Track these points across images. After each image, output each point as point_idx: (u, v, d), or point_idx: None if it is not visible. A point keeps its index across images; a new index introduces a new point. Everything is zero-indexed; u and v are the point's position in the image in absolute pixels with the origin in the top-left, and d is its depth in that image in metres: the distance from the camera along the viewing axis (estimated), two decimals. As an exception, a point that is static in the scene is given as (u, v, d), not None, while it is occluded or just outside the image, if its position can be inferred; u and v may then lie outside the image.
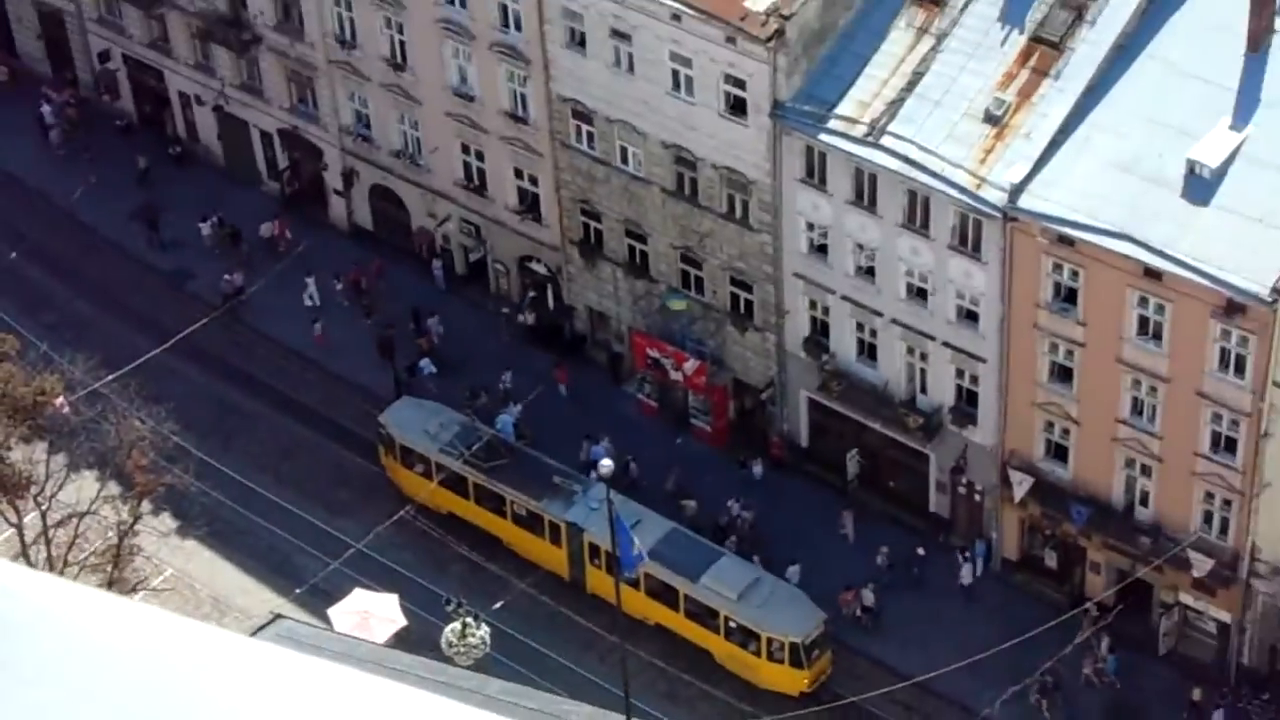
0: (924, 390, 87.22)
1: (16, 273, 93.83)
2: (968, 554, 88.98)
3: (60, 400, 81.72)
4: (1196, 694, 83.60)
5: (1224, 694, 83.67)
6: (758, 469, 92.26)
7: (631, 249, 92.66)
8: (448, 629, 76.81)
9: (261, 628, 60.16)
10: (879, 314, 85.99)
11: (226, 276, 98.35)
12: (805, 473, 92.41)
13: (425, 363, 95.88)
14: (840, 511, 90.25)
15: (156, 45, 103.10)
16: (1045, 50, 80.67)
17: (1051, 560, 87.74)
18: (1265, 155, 76.67)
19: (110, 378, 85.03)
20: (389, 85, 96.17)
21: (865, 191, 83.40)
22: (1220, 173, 76.62)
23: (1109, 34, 79.95)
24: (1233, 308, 75.44)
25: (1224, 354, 77.46)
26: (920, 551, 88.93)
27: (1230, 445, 79.56)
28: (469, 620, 77.40)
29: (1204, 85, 78.84)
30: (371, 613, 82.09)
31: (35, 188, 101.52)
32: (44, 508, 79.74)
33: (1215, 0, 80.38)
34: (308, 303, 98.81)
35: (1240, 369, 77.41)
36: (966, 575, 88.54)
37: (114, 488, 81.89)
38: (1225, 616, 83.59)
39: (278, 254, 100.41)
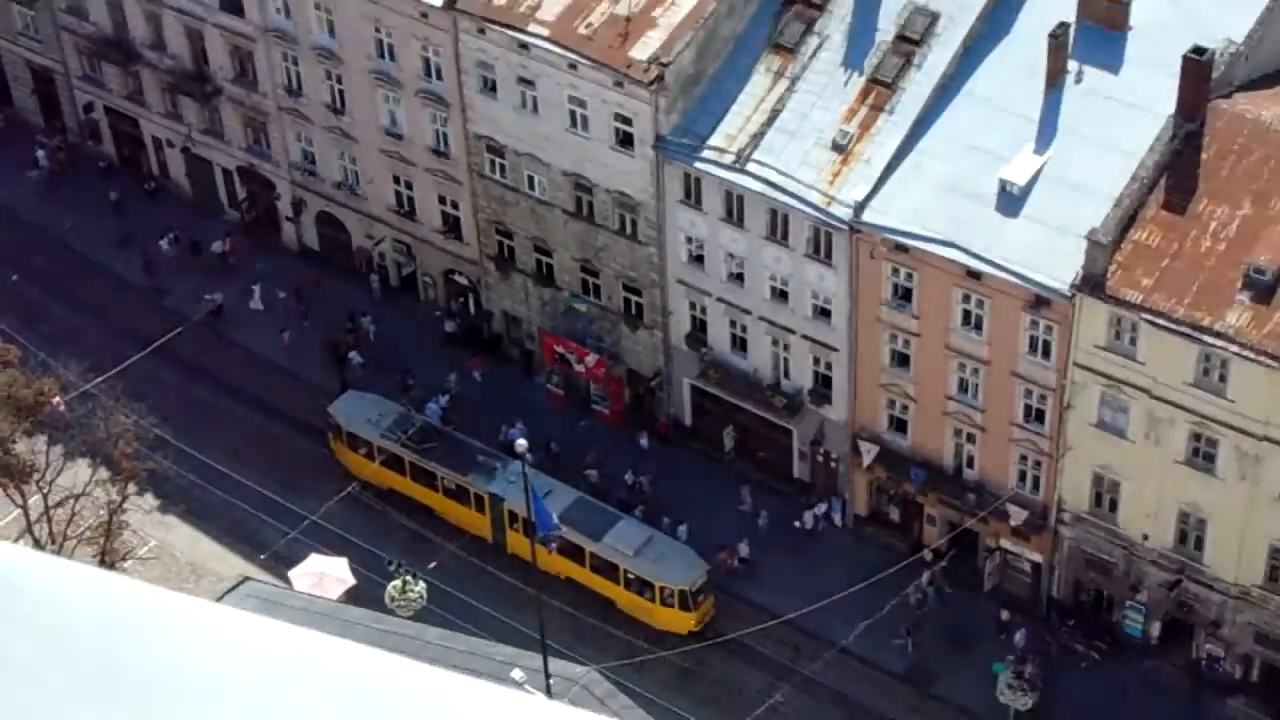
0: (787, 375, 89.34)
1: (16, 292, 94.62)
2: (813, 505, 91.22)
3: (57, 400, 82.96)
4: (1004, 615, 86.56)
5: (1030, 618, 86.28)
6: (644, 440, 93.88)
7: (539, 262, 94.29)
8: (390, 586, 79.24)
9: (232, 589, 62.81)
10: (748, 312, 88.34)
11: (207, 296, 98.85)
12: (689, 447, 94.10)
13: (354, 355, 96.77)
14: (739, 486, 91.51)
15: (132, 97, 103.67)
16: (881, 89, 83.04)
17: (895, 515, 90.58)
18: (1063, 175, 79.77)
19: (99, 380, 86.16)
20: (330, 127, 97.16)
21: (734, 210, 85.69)
22: (1026, 190, 79.76)
23: (933, 75, 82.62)
24: (1039, 302, 78.69)
25: (1033, 341, 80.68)
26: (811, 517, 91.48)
27: (1040, 416, 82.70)
28: (408, 578, 79.84)
29: (1012, 117, 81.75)
30: (325, 574, 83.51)
31: (31, 220, 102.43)
32: (45, 491, 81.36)
33: (1019, 45, 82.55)
34: (253, 306, 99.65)
35: (1046, 353, 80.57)
36: (809, 520, 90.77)
37: (104, 473, 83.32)
38: (1037, 558, 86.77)
39: (228, 265, 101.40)
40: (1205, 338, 76.09)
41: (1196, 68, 77.96)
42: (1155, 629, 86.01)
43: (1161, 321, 76.58)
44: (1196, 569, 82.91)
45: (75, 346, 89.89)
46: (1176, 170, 78.71)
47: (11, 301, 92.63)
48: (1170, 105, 78.87)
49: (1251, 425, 77.17)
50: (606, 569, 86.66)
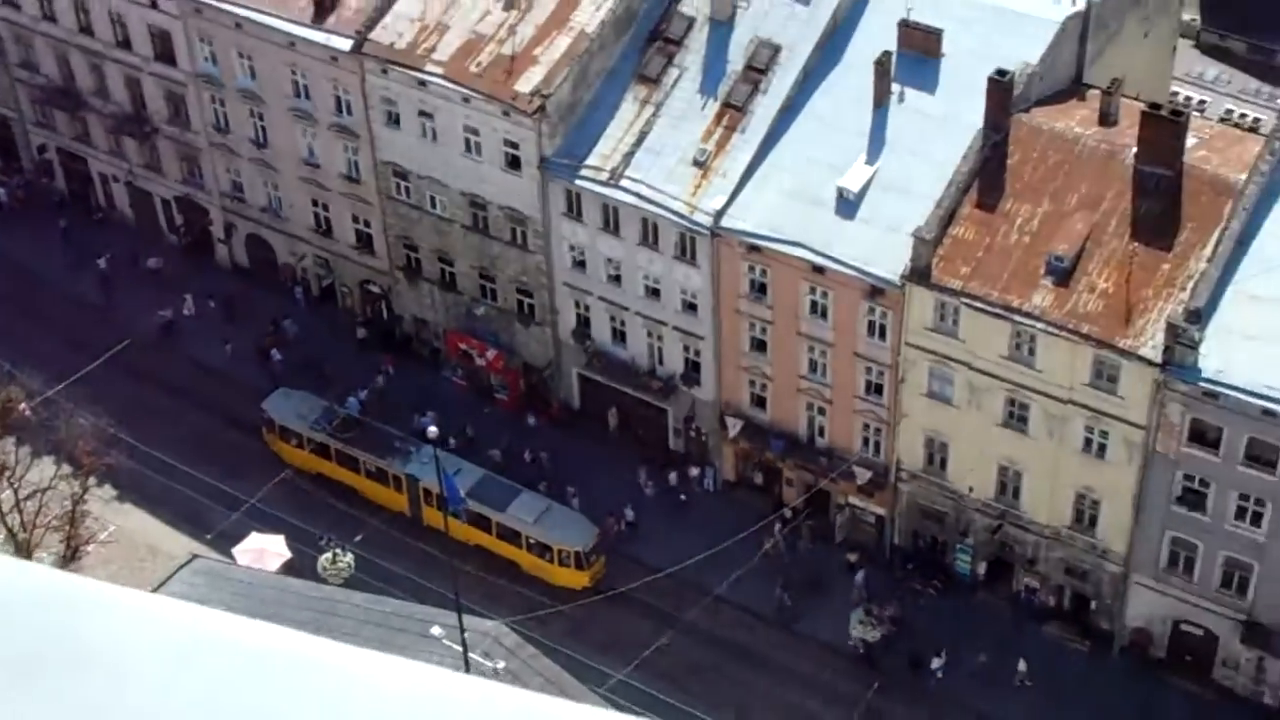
0: (661, 362, 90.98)
1: None
2: (698, 472, 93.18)
3: (23, 406, 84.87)
4: (852, 558, 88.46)
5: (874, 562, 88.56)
6: (531, 420, 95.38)
7: (442, 271, 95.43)
8: (321, 558, 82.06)
9: (183, 565, 63.43)
10: (625, 309, 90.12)
11: (160, 312, 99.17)
12: (578, 428, 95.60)
13: (275, 352, 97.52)
14: (636, 466, 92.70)
15: (80, 139, 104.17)
16: (733, 112, 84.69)
17: (758, 479, 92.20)
18: (891, 182, 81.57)
19: (59, 387, 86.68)
20: (255, 159, 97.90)
21: (611, 220, 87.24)
22: (860, 195, 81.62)
23: (778, 99, 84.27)
24: (875, 292, 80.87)
25: (871, 325, 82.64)
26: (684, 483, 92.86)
27: (878, 389, 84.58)
28: (337, 551, 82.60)
29: (846, 133, 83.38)
30: (265, 550, 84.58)
31: None
32: (15, 487, 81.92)
33: (850, 72, 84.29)
34: (186, 313, 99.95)
35: (882, 335, 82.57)
36: (673, 479, 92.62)
37: (66, 469, 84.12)
38: (880, 511, 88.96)
39: (161, 280, 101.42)
40: (1015, 317, 78.20)
41: (999, 88, 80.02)
42: (981, 567, 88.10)
43: (978, 305, 78.74)
44: (1014, 515, 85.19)
45: (37, 358, 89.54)
46: (986, 175, 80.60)
47: None
48: (979, 120, 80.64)
49: (1057, 391, 79.26)
50: (510, 536, 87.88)
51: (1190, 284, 76.71)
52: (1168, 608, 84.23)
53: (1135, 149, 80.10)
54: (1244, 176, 78.50)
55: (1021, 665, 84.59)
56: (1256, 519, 78.76)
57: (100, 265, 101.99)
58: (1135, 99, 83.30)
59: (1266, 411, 75.16)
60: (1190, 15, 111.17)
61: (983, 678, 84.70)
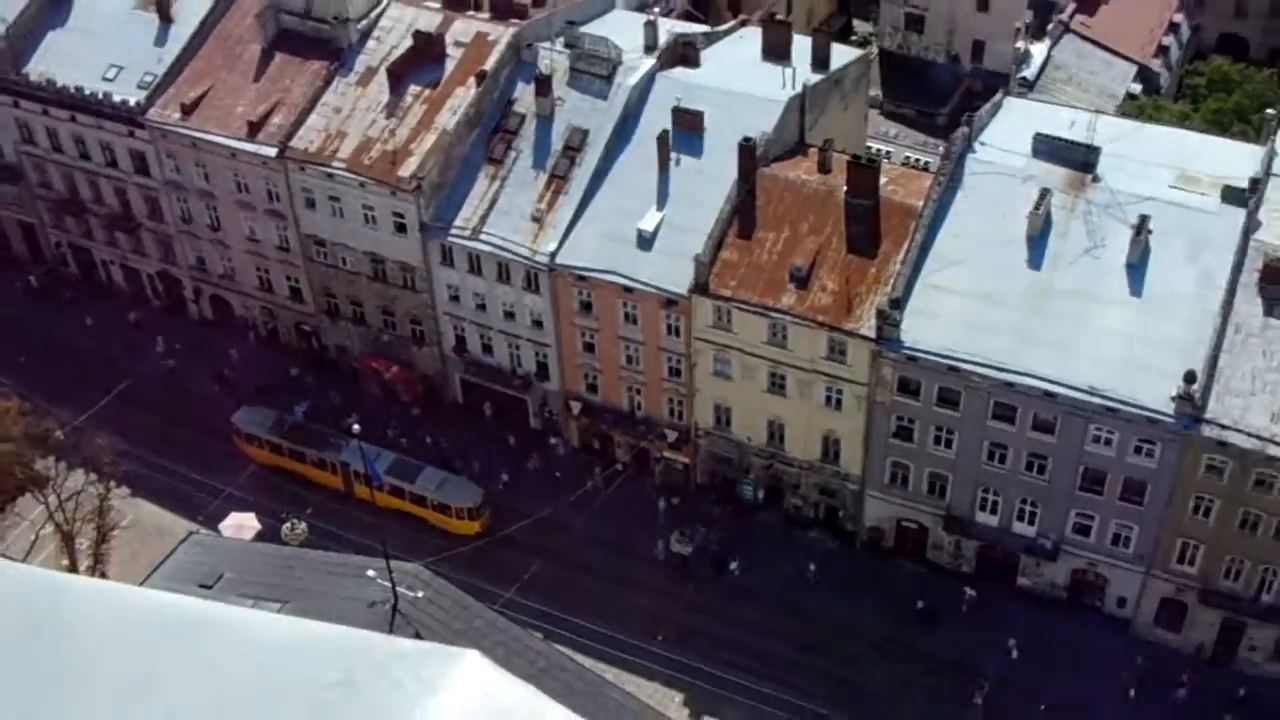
0: (519, 365, 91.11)
1: (24, 366, 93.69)
2: (553, 443, 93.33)
3: (58, 432, 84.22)
4: (665, 503, 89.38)
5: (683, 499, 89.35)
6: (415, 411, 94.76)
7: (355, 310, 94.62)
8: (284, 527, 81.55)
9: (183, 541, 62.59)
10: (490, 328, 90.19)
11: (166, 361, 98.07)
12: (463, 418, 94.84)
13: (228, 372, 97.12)
14: (507, 442, 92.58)
15: (85, 234, 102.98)
16: (558, 180, 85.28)
17: (597, 445, 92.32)
18: (675, 223, 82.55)
19: (83, 417, 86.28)
20: (212, 240, 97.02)
21: (475, 265, 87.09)
22: (654, 234, 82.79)
23: (589, 169, 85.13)
24: (670, 303, 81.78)
25: (669, 326, 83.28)
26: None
27: (678, 372, 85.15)
28: (294, 521, 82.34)
29: (641, 190, 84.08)
30: (241, 524, 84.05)
31: (25, 320, 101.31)
32: (58, 492, 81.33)
33: (640, 145, 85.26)
34: (158, 349, 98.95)
35: (678, 333, 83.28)
36: (536, 461, 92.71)
37: (93, 476, 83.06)
38: (686, 460, 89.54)
39: (140, 328, 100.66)
40: (770, 314, 79.48)
41: (746, 151, 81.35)
42: (760, 494, 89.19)
43: (743, 306, 79.98)
44: (781, 454, 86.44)
45: (63, 397, 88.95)
46: (742, 214, 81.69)
47: (19, 372, 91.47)
48: (734, 174, 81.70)
49: (803, 364, 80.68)
50: (419, 500, 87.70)
51: (891, 281, 78.21)
52: (892, 511, 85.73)
53: (845, 188, 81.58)
54: (921, 203, 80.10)
55: (812, 567, 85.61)
56: (948, 444, 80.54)
57: (87, 322, 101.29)
58: (842, 153, 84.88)
59: (950, 368, 76.96)
60: (875, 91, 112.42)
61: (765, 572, 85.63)
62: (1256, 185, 78.58)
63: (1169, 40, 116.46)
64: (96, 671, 7.18)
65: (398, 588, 48.98)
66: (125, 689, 7.05)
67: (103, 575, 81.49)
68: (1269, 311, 75.05)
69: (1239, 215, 77.64)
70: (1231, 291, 75.33)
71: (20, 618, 7.49)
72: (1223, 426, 73.23)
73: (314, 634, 7.70)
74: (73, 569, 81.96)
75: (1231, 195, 78.53)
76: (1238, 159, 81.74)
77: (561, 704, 40.78)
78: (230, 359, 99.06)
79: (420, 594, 50.87)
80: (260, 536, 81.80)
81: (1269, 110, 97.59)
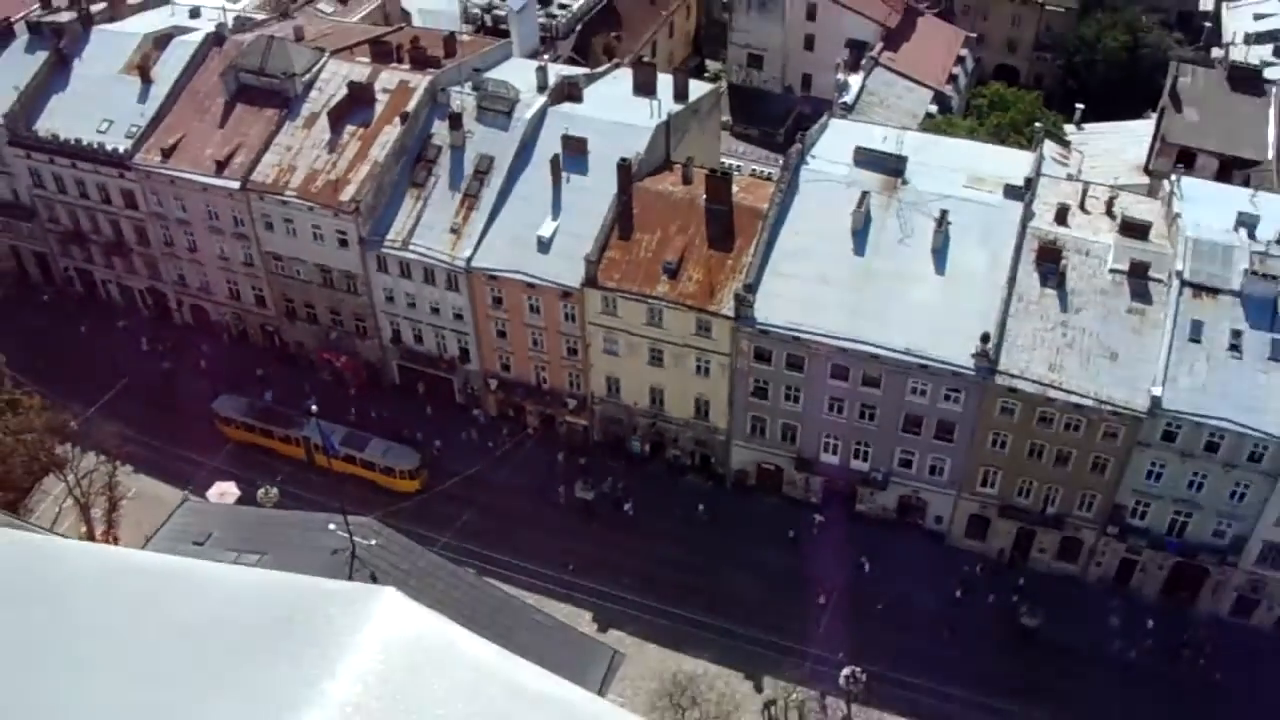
0: (445, 351, 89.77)
1: (40, 368, 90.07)
2: (476, 414, 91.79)
3: (72, 422, 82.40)
4: (562, 457, 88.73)
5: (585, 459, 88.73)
6: (359, 392, 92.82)
7: (309, 313, 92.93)
8: (259, 492, 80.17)
9: (178, 506, 61.47)
10: (420, 322, 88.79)
11: (164, 363, 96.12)
12: (401, 397, 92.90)
13: (202, 362, 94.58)
14: (438, 414, 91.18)
15: (87, 260, 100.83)
16: (471, 199, 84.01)
17: (512, 413, 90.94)
18: (569, 230, 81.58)
19: (93, 409, 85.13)
20: (191, 260, 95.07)
21: (406, 270, 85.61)
22: (552, 240, 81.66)
23: (495, 189, 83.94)
24: (566, 295, 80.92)
25: (566, 314, 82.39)
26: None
27: (574, 352, 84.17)
28: (267, 487, 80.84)
29: (539, 204, 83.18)
30: (225, 491, 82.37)
31: (47, 329, 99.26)
32: (75, 471, 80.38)
33: (537, 168, 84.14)
34: (144, 348, 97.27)
35: (574, 320, 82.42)
36: (481, 416, 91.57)
37: (103, 457, 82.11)
38: (585, 423, 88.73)
39: (129, 333, 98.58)
40: (649, 300, 78.98)
41: (624, 168, 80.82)
42: (647, 448, 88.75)
43: (626, 295, 79.40)
44: (663, 414, 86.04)
45: (76, 394, 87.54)
46: (622, 220, 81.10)
47: (38, 374, 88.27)
48: (614, 189, 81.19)
49: (677, 340, 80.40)
50: (368, 465, 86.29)
51: (745, 270, 77.97)
52: (754, 456, 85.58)
53: (705, 196, 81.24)
54: (767, 206, 79.98)
55: (700, 507, 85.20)
56: (796, 400, 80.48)
57: (81, 330, 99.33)
58: (701, 168, 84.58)
59: (795, 338, 76.97)
60: (725, 117, 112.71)
61: (654, 510, 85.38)
62: (1030, 183, 80.00)
63: (958, 70, 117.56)
64: (63, 626, 7.15)
65: (355, 537, 48.65)
66: (93, 639, 7.03)
67: (115, 539, 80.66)
68: (1044, 283, 76.14)
69: (1018, 208, 78.57)
70: (1015, 268, 76.18)
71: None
72: (1012, 376, 74.19)
73: (258, 580, 7.53)
74: (90, 534, 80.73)
75: (1011, 192, 79.62)
76: (1015, 163, 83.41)
77: (490, 624, 38.99)
78: (203, 351, 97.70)
79: (373, 542, 50.33)
80: (240, 501, 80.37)
81: (1036, 124, 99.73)
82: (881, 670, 74.66)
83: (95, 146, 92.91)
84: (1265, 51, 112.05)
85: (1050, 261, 76.19)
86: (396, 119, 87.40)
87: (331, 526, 49.65)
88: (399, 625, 6.97)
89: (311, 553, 51.75)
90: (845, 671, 73.76)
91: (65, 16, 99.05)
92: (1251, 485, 73.11)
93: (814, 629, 77.97)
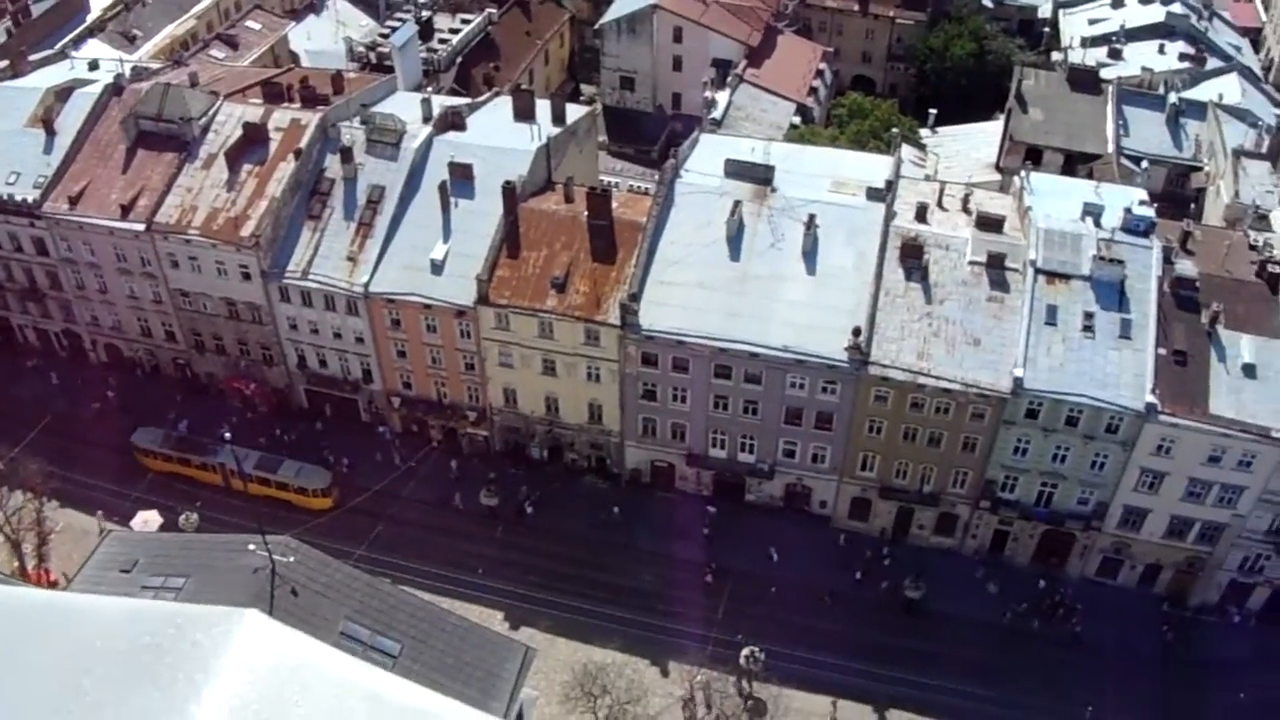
0: (349, 373, 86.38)
1: None
2: (381, 431, 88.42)
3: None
4: (455, 466, 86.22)
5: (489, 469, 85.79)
6: (262, 408, 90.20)
7: (218, 344, 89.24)
8: (180, 518, 77.59)
9: (104, 537, 59.11)
10: (324, 347, 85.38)
11: (94, 404, 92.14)
12: (310, 420, 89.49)
13: (111, 394, 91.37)
14: (345, 433, 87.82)
15: (3, 306, 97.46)
16: (365, 227, 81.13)
17: (415, 428, 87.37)
18: (460, 251, 79.03)
19: (16, 450, 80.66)
20: (102, 301, 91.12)
21: (307, 299, 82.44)
22: (444, 262, 79.26)
23: (388, 216, 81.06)
24: (460, 314, 78.28)
25: (462, 331, 79.97)
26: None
27: (472, 367, 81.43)
28: (188, 512, 78.31)
29: (429, 229, 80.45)
30: (147, 520, 79.37)
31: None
32: (4, 508, 77.58)
33: (425, 194, 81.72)
34: (54, 383, 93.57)
35: (468, 336, 79.91)
36: (387, 433, 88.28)
37: (29, 494, 79.20)
38: (485, 433, 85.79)
39: (40, 373, 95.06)
40: (539, 314, 76.57)
41: (509, 190, 78.30)
42: (545, 453, 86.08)
43: (517, 311, 76.92)
44: (559, 421, 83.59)
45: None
46: (510, 239, 78.60)
47: None
48: (500, 210, 78.77)
49: (567, 349, 78.12)
50: (282, 485, 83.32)
51: (628, 281, 76.09)
52: (647, 455, 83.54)
53: (586, 212, 79.13)
54: (645, 219, 78.19)
55: (616, 509, 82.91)
56: (683, 400, 78.64)
57: (38, 374, 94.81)
58: (581, 186, 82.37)
59: (679, 342, 75.27)
60: (602, 137, 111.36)
61: (555, 512, 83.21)
62: (890, 185, 79.34)
63: (818, 83, 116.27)
64: None
65: (274, 556, 47.49)
66: None
67: (46, 571, 77.83)
68: (908, 277, 75.42)
69: (880, 209, 77.65)
70: (880, 265, 75.34)
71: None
72: (884, 366, 73.26)
73: (127, 609, 8.92)
74: (22, 569, 77.32)
75: (873, 194, 78.66)
76: (875, 167, 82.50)
77: (408, 630, 37.14)
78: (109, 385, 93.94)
79: (291, 558, 48.82)
80: (163, 528, 77.59)
81: (893, 130, 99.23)
82: (778, 648, 73.28)
83: (4, 198, 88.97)
84: (1100, 53, 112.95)
85: (913, 257, 75.51)
86: (290, 155, 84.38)
87: (251, 547, 48.26)
88: (262, 647, 6.78)
89: (234, 573, 49.79)
90: (745, 651, 72.58)
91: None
92: (1110, 455, 72.66)
93: (713, 614, 76.29)
